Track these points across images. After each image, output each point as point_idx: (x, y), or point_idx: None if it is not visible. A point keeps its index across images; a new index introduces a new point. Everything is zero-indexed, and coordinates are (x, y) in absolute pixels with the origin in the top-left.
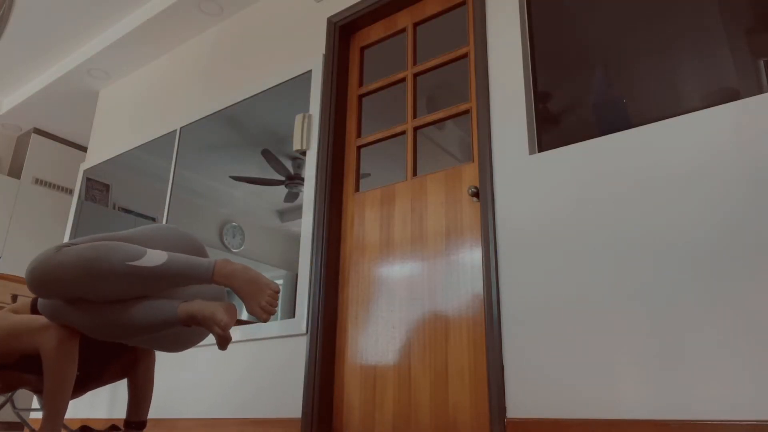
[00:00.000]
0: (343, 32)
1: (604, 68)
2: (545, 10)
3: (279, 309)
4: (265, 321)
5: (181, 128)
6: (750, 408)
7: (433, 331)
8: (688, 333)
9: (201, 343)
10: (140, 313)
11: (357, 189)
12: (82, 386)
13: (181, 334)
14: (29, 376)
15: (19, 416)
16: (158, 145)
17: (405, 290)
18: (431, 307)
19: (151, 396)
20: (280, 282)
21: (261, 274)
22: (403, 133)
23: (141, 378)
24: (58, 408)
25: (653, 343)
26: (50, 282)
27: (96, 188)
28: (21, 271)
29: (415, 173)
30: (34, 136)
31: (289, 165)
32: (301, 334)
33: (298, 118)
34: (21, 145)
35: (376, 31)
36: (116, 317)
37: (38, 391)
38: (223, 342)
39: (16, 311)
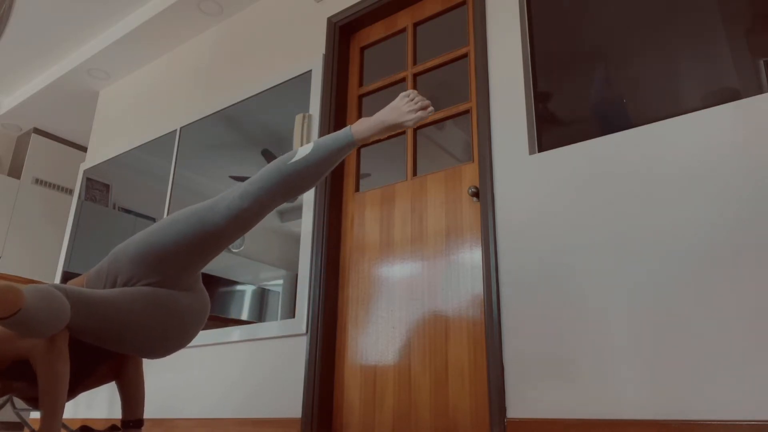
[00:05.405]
0: (343, 32)
1: (604, 68)
2: (545, 10)
3: (280, 306)
4: (425, 116)
5: (181, 128)
6: (750, 408)
7: (433, 331)
8: (688, 333)
9: (201, 343)
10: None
11: (357, 189)
12: (70, 389)
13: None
14: (18, 384)
15: (19, 416)
16: (158, 145)
17: (405, 290)
18: (431, 307)
19: (143, 394)
20: (279, 282)
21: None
22: (403, 133)
23: (131, 378)
24: (56, 407)
25: (653, 343)
26: (265, 201)
27: (96, 188)
28: (21, 271)
29: (415, 173)
30: (34, 136)
31: None
32: (301, 334)
33: (298, 118)
34: (21, 145)
35: (376, 31)
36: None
37: (29, 399)
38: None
39: None
